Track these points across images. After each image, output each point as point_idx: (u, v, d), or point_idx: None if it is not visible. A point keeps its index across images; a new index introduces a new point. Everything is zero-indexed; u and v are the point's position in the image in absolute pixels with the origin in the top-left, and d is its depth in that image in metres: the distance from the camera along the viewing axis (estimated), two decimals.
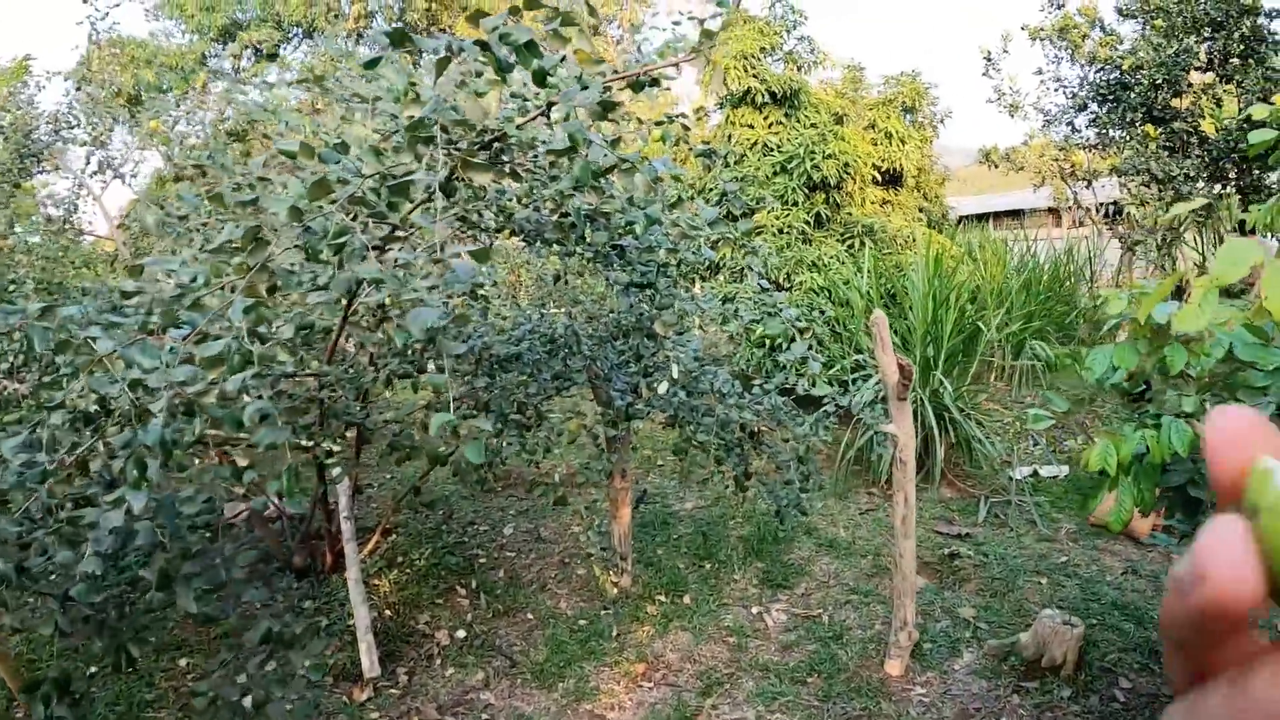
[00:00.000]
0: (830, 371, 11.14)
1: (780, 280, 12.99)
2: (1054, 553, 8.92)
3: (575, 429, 7.05)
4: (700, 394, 6.43)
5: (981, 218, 27.01)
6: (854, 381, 10.82)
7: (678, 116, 4.50)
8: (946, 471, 10.65)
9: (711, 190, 13.91)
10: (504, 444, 5.96)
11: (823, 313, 12.35)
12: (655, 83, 3.71)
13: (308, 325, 4.45)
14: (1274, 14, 12.25)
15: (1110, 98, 12.59)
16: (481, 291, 6.68)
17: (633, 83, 3.66)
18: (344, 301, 4.75)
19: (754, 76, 13.69)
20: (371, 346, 5.93)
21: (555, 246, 5.18)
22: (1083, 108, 13.43)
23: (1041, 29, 13.66)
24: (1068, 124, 13.77)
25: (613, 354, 6.77)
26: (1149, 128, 11.96)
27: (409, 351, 5.77)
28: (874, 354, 6.23)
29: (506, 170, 3.78)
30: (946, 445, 10.43)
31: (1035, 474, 10.97)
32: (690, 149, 16.41)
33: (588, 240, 5.01)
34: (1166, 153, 11.95)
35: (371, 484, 11.10)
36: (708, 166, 14.21)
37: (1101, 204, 23.03)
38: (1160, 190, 11.71)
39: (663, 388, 6.04)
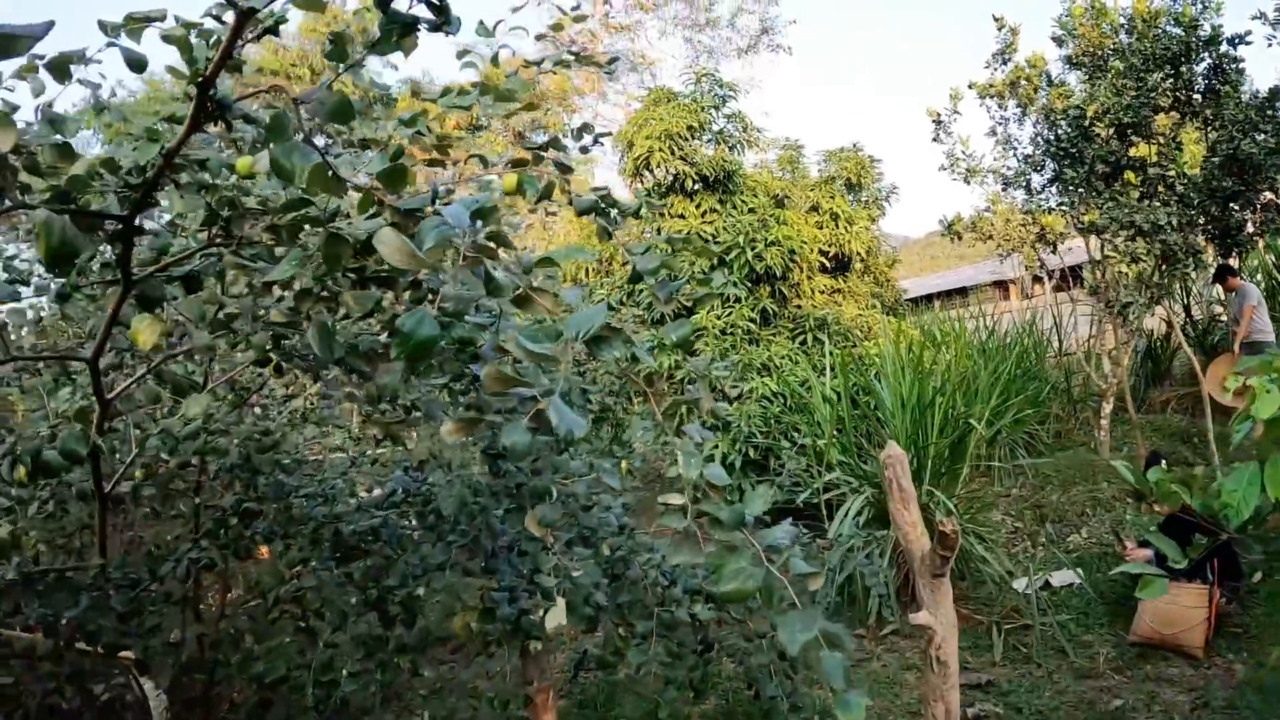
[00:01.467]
0: (801, 496, 9.51)
1: (726, 389, 11.41)
2: (1100, 694, 7.31)
3: (461, 629, 5.07)
4: (632, 584, 4.62)
5: (924, 300, 25.74)
6: (826, 504, 9.18)
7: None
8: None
9: (643, 292, 12.35)
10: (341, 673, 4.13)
11: (779, 422, 10.76)
12: None
13: None
14: (1237, 40, 11.04)
15: (1072, 150, 11.22)
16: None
17: None
18: None
19: (682, 159, 12.23)
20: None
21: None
22: (1040, 167, 12.08)
23: (991, 85, 12.35)
24: (1023, 186, 12.38)
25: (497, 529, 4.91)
26: (1130, 174, 10.58)
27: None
28: (890, 506, 4.67)
29: None
30: None
31: (1046, 585, 9.33)
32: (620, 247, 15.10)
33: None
34: (1145, 201, 10.56)
35: None
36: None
37: (1053, 270, 21.82)
38: (1148, 243, 10.29)
39: (551, 623, 4.30)
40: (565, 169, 2.92)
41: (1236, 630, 8.06)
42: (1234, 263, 12.48)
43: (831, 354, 10.57)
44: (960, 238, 12.59)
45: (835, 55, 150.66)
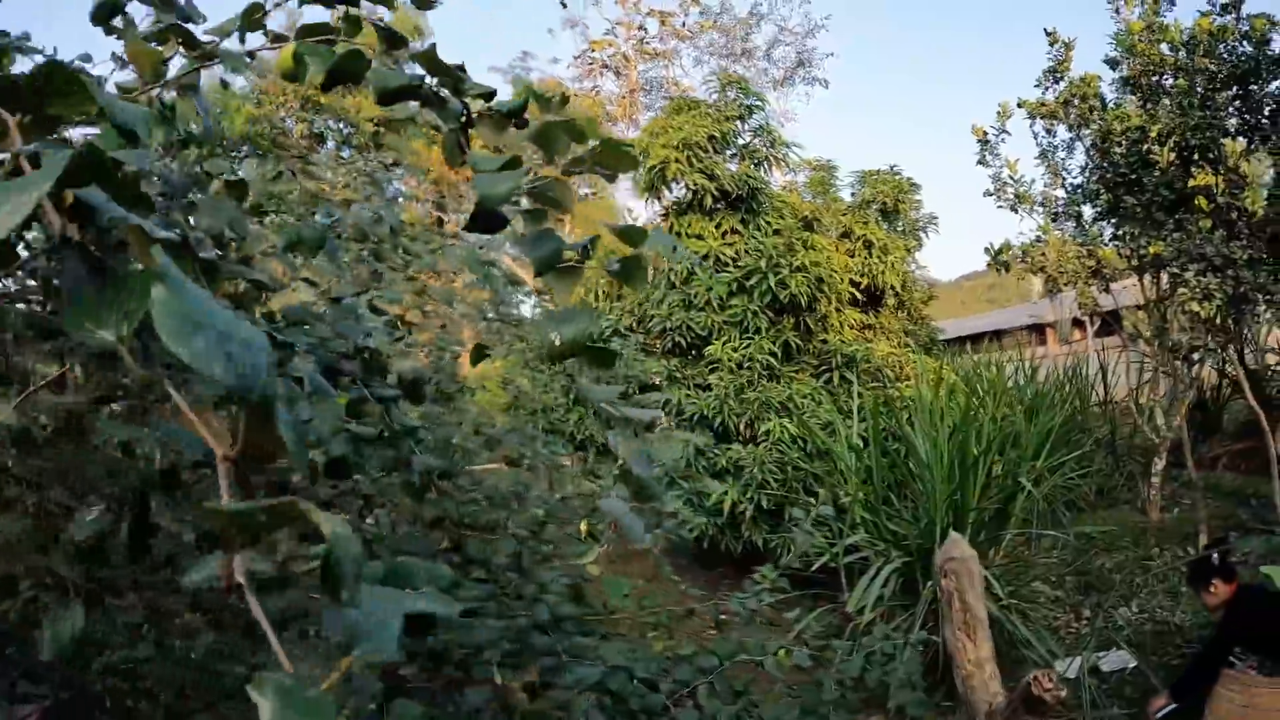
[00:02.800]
0: (820, 560, 8.31)
1: (740, 429, 10.26)
2: None
3: None
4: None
5: (957, 343, 24.56)
6: (846, 568, 7.98)
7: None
8: None
9: (654, 319, 11.23)
10: None
11: (797, 470, 9.59)
12: None
13: None
14: None
15: (1131, 177, 10.04)
16: None
17: None
18: None
19: (701, 172, 11.10)
20: None
21: None
22: (1093, 197, 10.90)
23: (1042, 104, 11.19)
24: (1073, 218, 11.20)
25: None
26: (1201, 200, 9.39)
27: None
28: (946, 634, 3.51)
29: None
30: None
31: (1095, 670, 8.09)
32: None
33: None
34: (1215, 233, 9.39)
35: None
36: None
37: (1094, 314, 20.58)
38: (1220, 279, 9.08)
39: None
40: None
41: None
42: None
43: (860, 395, 9.39)
44: (1008, 268, 11.36)
45: (871, 89, 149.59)
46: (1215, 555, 7.00)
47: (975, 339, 27.32)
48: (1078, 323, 23.11)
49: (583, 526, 4.73)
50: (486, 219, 1.51)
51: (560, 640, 3.65)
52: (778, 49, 35.04)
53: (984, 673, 3.26)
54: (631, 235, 1.53)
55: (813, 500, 8.07)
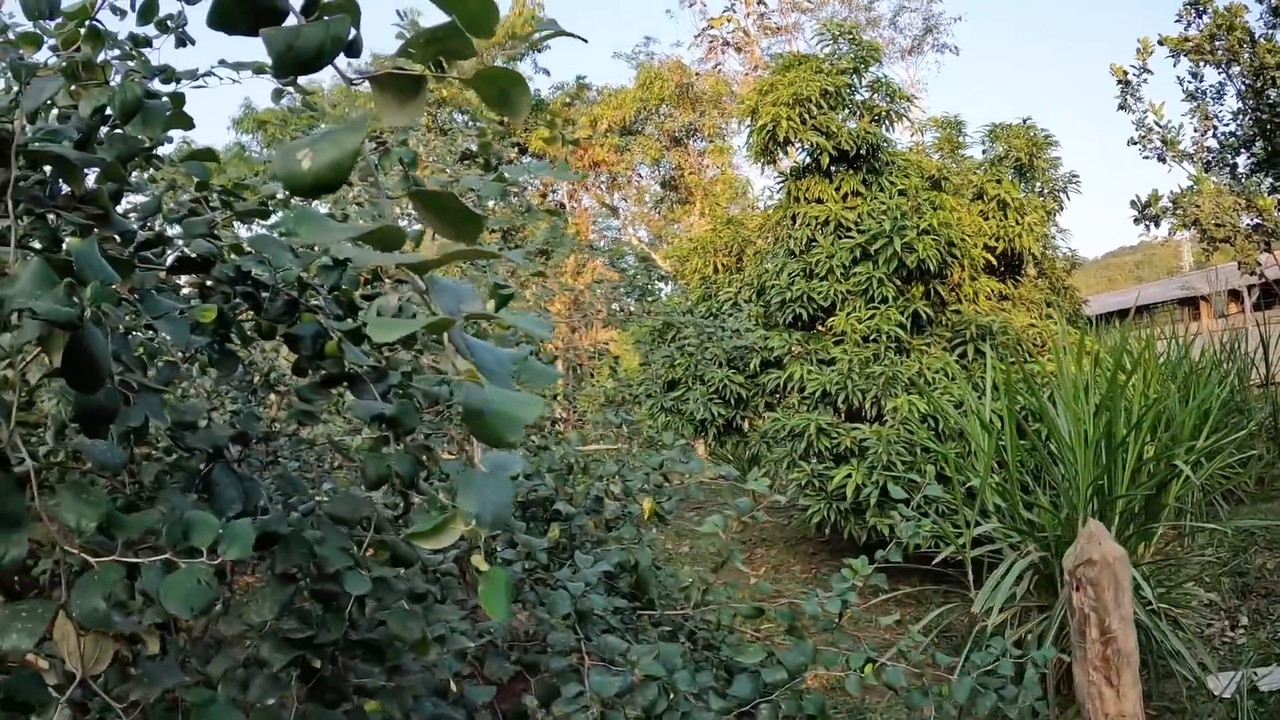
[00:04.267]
0: (944, 552, 7.49)
1: (865, 407, 9.48)
2: None
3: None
4: None
5: (1102, 319, 23.22)
6: (974, 562, 7.14)
7: None
8: None
9: (772, 290, 10.51)
10: None
11: (926, 451, 8.77)
12: None
13: None
14: None
15: None
16: None
17: None
18: None
19: (816, 130, 10.30)
20: None
21: None
22: (1248, 143, 9.82)
23: (1186, 39, 10.12)
24: (1227, 168, 10.13)
25: None
26: None
27: None
28: (1078, 674, 2.73)
29: None
30: None
31: (1253, 689, 7.11)
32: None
33: None
34: None
35: None
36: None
37: (1254, 284, 19.19)
38: None
39: None
40: None
41: None
42: None
43: (995, 368, 8.50)
44: (1156, 223, 10.35)
45: (1004, 53, 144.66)
46: None
47: (1121, 315, 25.91)
48: (1234, 294, 21.76)
49: (645, 505, 4.11)
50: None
51: (592, 636, 3.02)
52: (903, 15, 34.02)
53: None
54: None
55: (940, 485, 7.27)
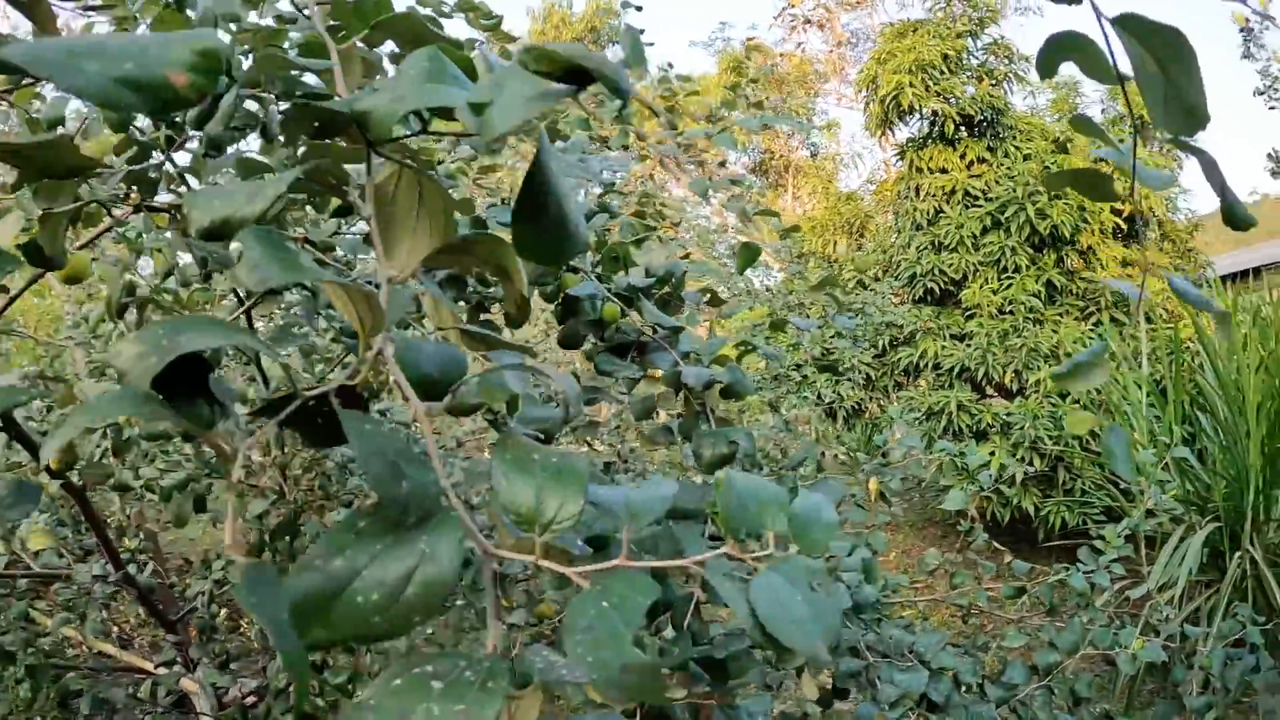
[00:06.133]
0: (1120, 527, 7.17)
1: (1006, 381, 9.19)
2: None
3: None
4: None
5: (1228, 280, 22.50)
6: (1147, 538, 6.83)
7: None
8: None
9: (902, 264, 10.23)
10: None
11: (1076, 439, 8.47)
12: None
13: None
14: None
15: None
16: None
17: None
18: None
19: (939, 96, 9.99)
20: None
21: None
22: None
23: None
24: None
25: None
26: None
27: None
28: None
29: None
30: None
31: None
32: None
33: None
34: None
35: None
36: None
37: None
38: None
39: None
40: None
41: None
42: None
43: (1153, 337, 8.16)
44: None
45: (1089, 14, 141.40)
46: None
47: (1242, 275, 25.15)
48: None
49: (871, 485, 3.90)
50: None
51: (870, 631, 2.81)
52: None
53: None
54: None
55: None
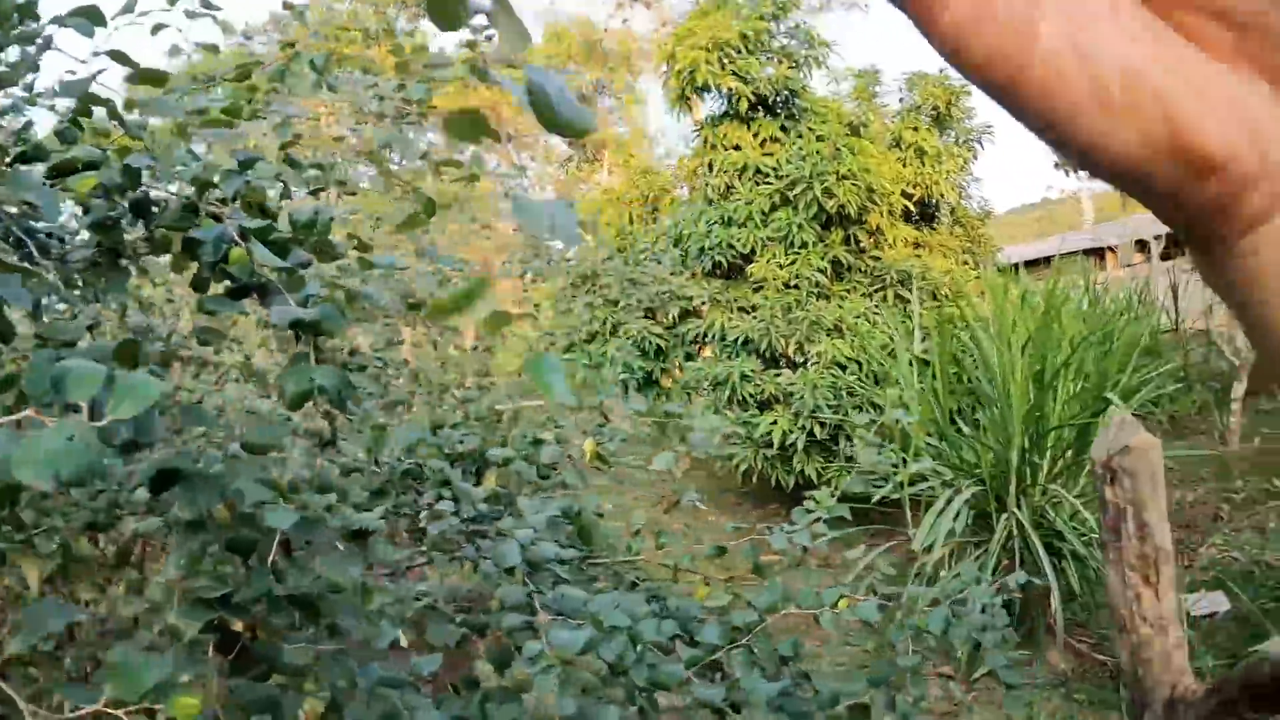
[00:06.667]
0: (882, 490, 7.38)
1: (789, 352, 9.37)
2: None
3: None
4: None
5: (1013, 269, 23.54)
6: (912, 501, 7.06)
7: None
8: (1056, 629, 6.88)
9: (690, 235, 10.32)
10: None
11: (852, 394, 8.67)
12: None
13: None
14: None
15: None
16: None
17: None
18: None
19: (734, 75, 10.11)
20: None
21: None
22: None
23: None
24: None
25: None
26: None
27: None
28: (1112, 581, 2.52)
29: None
30: (1063, 592, 6.69)
31: (1185, 615, 7.17)
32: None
33: None
34: None
35: None
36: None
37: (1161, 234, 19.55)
38: None
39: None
40: None
41: None
42: None
43: (922, 313, 8.44)
44: (1075, 169, 10.27)
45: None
46: None
47: (1030, 265, 26.30)
48: (1140, 244, 22.10)
49: (587, 447, 3.86)
50: None
51: (543, 588, 2.78)
52: None
53: (1168, 639, 2.24)
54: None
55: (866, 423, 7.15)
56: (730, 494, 10.86)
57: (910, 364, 7.92)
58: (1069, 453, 7.08)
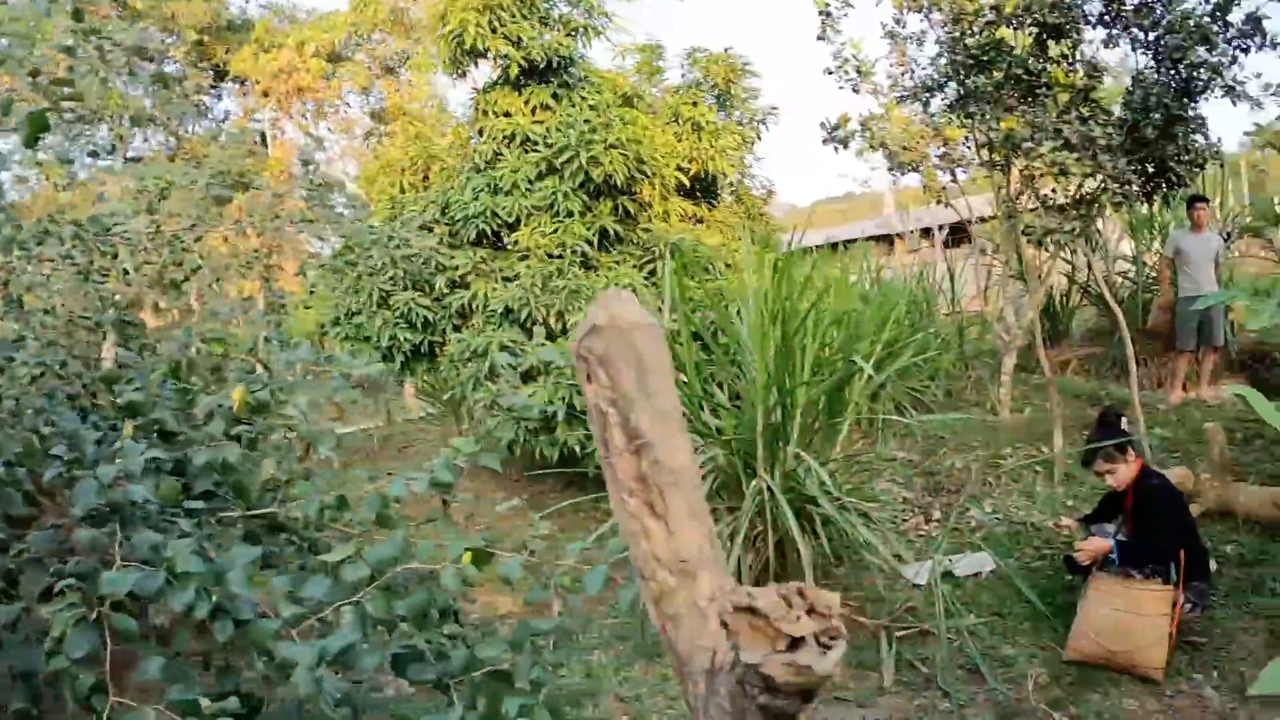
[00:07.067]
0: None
1: (550, 323, 9.12)
2: None
3: None
4: None
5: (805, 253, 23.86)
6: None
7: None
8: None
9: (456, 203, 9.99)
10: None
11: None
12: None
13: None
14: None
15: (984, 59, 8.98)
16: None
17: None
18: None
19: (506, 39, 9.79)
20: None
21: None
22: (943, 85, 9.84)
23: None
24: (921, 103, 10.12)
25: None
26: (1058, 71, 8.53)
27: None
28: (611, 496, 1.89)
29: None
30: (815, 554, 6.61)
31: (948, 574, 7.22)
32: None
33: None
34: (1071, 112, 8.56)
35: None
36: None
37: (944, 224, 20.14)
38: (1079, 158, 8.18)
39: None
40: None
41: (1199, 641, 6.06)
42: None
43: (674, 272, 8.25)
44: (845, 145, 10.26)
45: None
46: (1125, 425, 6.33)
47: (834, 250, 26.81)
48: (926, 233, 22.72)
49: (236, 395, 3.54)
50: None
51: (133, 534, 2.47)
52: None
53: (695, 587, 1.60)
54: None
55: None
56: (511, 469, 10.49)
57: (684, 336, 7.80)
58: (819, 416, 7.03)
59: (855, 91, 10.48)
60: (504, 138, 9.84)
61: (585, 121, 9.46)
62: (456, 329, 9.78)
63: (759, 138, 12.62)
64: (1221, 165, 13.62)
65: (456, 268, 9.64)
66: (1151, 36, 8.85)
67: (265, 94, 27.43)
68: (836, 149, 10.22)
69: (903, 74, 10.36)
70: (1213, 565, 6.40)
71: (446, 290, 9.85)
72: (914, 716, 5.44)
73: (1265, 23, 8.60)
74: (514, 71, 9.82)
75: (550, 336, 9.05)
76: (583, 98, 9.97)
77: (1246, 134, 16.51)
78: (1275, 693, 2.16)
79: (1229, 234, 14.18)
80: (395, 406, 15.42)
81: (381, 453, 13.57)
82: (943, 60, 9.66)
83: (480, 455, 3.28)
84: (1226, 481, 7.75)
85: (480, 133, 10.08)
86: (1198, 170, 9.50)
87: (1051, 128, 8.36)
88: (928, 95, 9.97)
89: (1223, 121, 69.98)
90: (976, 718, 5.35)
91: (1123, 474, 6.19)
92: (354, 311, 10.28)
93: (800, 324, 6.50)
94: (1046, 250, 9.63)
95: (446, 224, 10.09)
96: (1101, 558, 6.06)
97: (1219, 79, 8.69)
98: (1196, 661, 5.87)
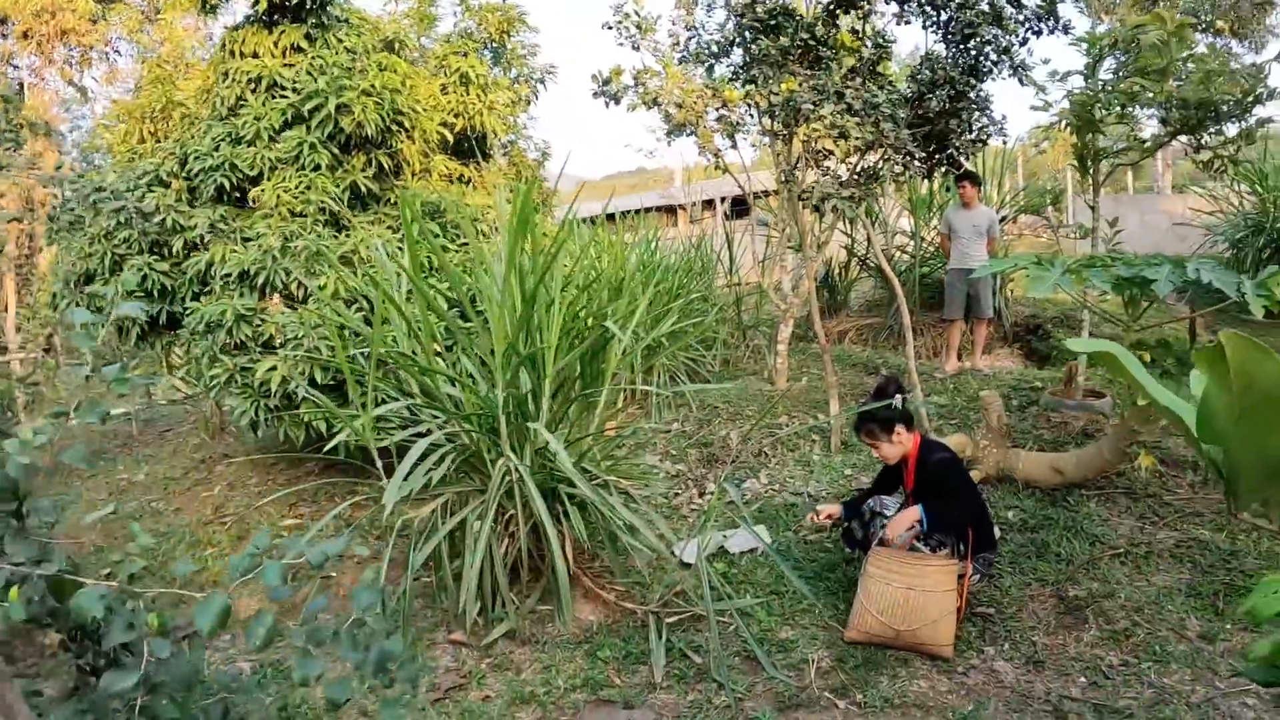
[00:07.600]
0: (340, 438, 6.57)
1: (291, 288, 8.30)
2: None
3: None
4: None
5: (588, 223, 23.60)
6: (401, 449, 6.20)
7: None
8: (582, 579, 6.32)
9: (195, 155, 9.04)
10: None
11: (358, 335, 7.67)
12: None
13: None
14: None
15: (771, 23, 8.64)
16: None
17: None
18: None
19: None
20: None
21: None
22: (726, 53, 9.48)
23: None
24: (705, 66, 9.74)
25: None
26: (845, 36, 8.35)
27: None
28: None
29: None
30: (570, 540, 6.11)
31: (721, 552, 6.91)
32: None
33: None
34: (856, 78, 8.34)
35: None
36: None
37: (725, 197, 20.25)
38: (860, 122, 7.91)
39: None
40: None
41: (987, 612, 5.86)
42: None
43: (407, 225, 7.56)
44: (617, 100, 9.77)
45: None
46: (900, 398, 6.01)
47: (609, 220, 26.56)
48: (709, 204, 22.80)
49: None
50: None
51: None
52: None
53: None
54: None
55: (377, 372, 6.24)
56: (270, 453, 9.64)
57: (409, 299, 7.10)
58: (573, 387, 6.49)
59: (635, 49, 10.07)
60: (249, 81, 8.95)
61: (337, 65, 8.67)
62: (197, 297, 8.73)
63: (536, 96, 12.09)
64: (1004, 143, 13.88)
65: (194, 227, 8.66)
66: (944, 17, 8.87)
67: (25, 35, 25.18)
68: (608, 103, 9.75)
69: (689, 39, 9.98)
70: (996, 533, 6.19)
71: (185, 254, 8.85)
72: (687, 714, 4.97)
73: (1059, 6, 8.74)
74: (263, 7, 8.92)
75: (291, 303, 8.27)
76: (339, 39, 9.17)
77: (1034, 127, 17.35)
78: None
79: (1005, 215, 14.67)
80: (161, 386, 14.26)
81: (140, 438, 12.59)
82: (729, 25, 9.35)
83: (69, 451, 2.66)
84: (1005, 447, 7.64)
85: (225, 76, 9.12)
86: (979, 148, 9.56)
87: (834, 91, 8.10)
88: (712, 60, 9.64)
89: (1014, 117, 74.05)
90: (756, 711, 4.91)
91: (894, 449, 5.95)
92: (88, 277, 9.19)
93: (539, 281, 5.90)
94: (824, 218, 9.43)
95: (185, 178, 9.11)
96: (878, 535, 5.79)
97: (1007, 59, 8.83)
98: (987, 634, 5.63)
